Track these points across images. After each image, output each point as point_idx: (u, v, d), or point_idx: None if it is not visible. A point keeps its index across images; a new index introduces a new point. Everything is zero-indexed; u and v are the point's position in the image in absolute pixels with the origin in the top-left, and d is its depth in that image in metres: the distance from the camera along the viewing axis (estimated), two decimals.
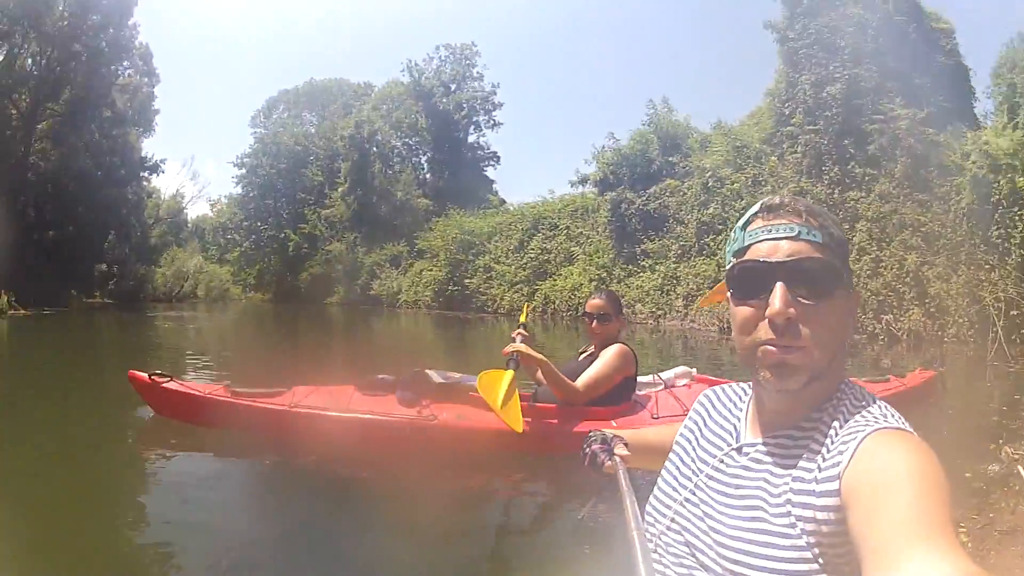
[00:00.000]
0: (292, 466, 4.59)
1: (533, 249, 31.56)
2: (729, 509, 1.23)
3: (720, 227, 22.65)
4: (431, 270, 37.99)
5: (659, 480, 1.45)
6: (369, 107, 54.03)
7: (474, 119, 52.32)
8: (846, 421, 1.17)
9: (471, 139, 52.34)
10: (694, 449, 1.43)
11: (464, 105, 51.57)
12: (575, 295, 27.32)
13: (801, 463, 1.16)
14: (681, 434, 1.50)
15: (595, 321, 5.02)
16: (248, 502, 4.18)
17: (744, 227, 1.29)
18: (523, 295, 30.41)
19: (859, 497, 1.01)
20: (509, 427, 4.24)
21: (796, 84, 21.45)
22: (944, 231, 17.71)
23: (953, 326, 16.59)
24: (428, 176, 52.35)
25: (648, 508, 1.41)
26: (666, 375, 5.78)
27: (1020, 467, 4.10)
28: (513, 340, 4.96)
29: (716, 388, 1.54)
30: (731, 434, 1.37)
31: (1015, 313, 15.07)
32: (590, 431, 1.83)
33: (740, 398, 1.45)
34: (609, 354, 4.89)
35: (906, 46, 20.16)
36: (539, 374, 4.95)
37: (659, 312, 23.65)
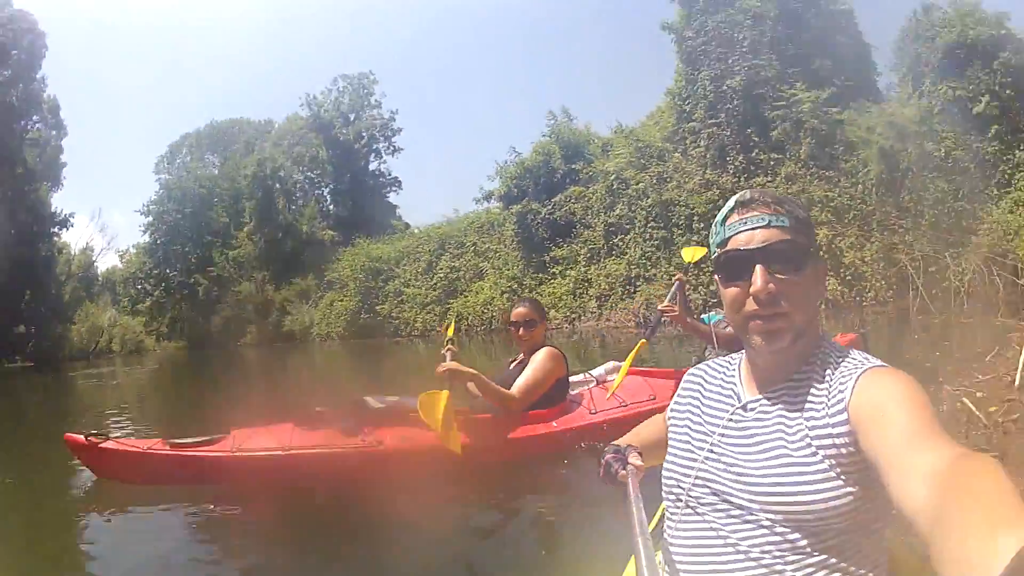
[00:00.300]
0: (243, 511, 4.44)
1: (442, 269, 31.24)
2: (751, 455, 1.38)
3: (628, 227, 22.61)
4: (342, 300, 37.45)
5: (672, 449, 1.58)
6: (270, 144, 53.17)
7: (374, 147, 51.73)
8: (836, 367, 1.37)
9: (372, 167, 51.65)
10: (700, 415, 1.56)
11: (364, 134, 50.99)
12: (487, 309, 27.08)
13: (808, 405, 1.35)
14: (674, 410, 1.67)
15: (522, 328, 5.11)
16: (203, 553, 3.88)
17: (723, 222, 1.45)
18: (435, 315, 30.25)
19: (866, 420, 1.22)
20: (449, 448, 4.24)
21: (696, 81, 21.78)
22: (854, 203, 18.19)
23: (871, 290, 16.98)
24: (332, 207, 51.24)
25: (667, 473, 1.56)
26: (596, 372, 5.97)
27: (964, 399, 4.29)
28: (443, 358, 4.86)
29: (701, 365, 1.72)
30: (732, 396, 1.53)
31: (933, 269, 15.50)
32: (605, 444, 1.83)
33: (728, 368, 1.62)
34: (540, 358, 4.97)
35: (806, 31, 20.76)
36: (472, 387, 4.89)
37: (573, 315, 23.31)
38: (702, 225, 19.96)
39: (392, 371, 17.25)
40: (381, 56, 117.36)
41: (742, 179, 20.32)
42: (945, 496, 0.94)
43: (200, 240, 52.51)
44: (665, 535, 1.52)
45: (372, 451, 4.53)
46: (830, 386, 1.33)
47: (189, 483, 4.59)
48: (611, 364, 6.10)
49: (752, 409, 1.45)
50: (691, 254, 7.04)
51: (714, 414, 1.53)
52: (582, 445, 4.82)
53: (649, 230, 21.58)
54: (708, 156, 21.10)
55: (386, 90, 60.81)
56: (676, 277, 6.11)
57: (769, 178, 19.86)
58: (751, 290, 1.35)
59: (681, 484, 1.49)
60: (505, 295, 25.87)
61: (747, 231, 1.38)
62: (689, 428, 1.56)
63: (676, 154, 21.98)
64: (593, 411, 5.09)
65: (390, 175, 52.52)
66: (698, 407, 1.59)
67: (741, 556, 1.34)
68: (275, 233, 45.19)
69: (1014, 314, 10.04)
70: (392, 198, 52.52)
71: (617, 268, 22.35)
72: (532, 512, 4.04)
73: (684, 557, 1.42)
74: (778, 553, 1.30)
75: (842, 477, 1.26)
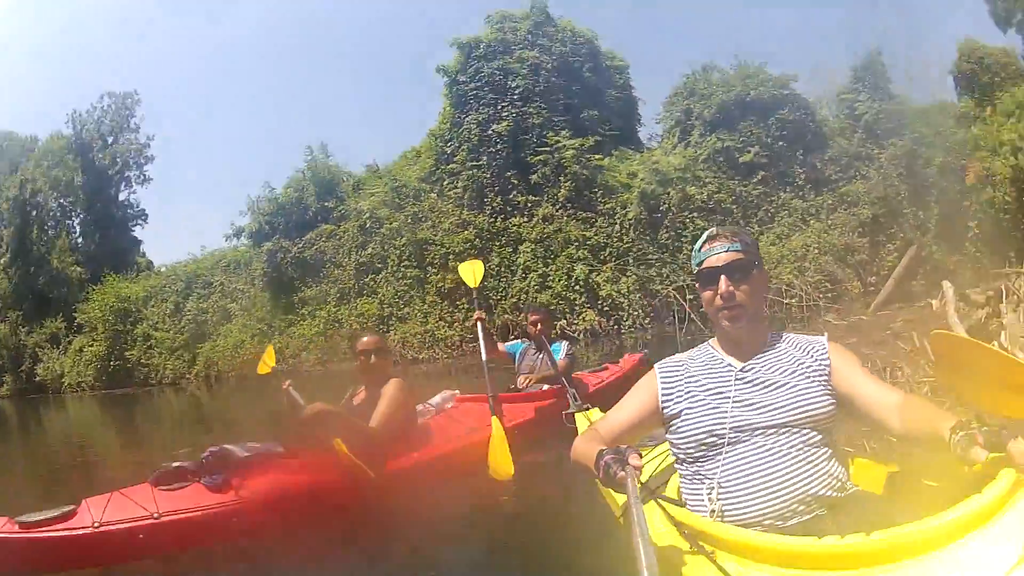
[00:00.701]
0: None
1: (190, 311, 28.49)
2: (775, 391, 2.11)
3: (380, 266, 21.71)
4: (91, 345, 32.99)
5: (689, 416, 2.18)
6: (32, 164, 46.52)
7: (126, 174, 46.82)
8: (795, 338, 2.27)
9: (122, 196, 46.51)
10: (702, 386, 2.22)
11: (118, 159, 46.13)
12: (237, 353, 24.84)
13: (794, 356, 2.19)
14: (667, 393, 2.29)
15: (373, 356, 4.97)
16: None
17: (699, 250, 2.25)
18: (184, 361, 27.59)
19: (839, 367, 2.13)
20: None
21: (462, 124, 21.71)
22: (610, 241, 18.84)
23: (628, 319, 17.51)
24: (80, 240, 45.18)
25: (694, 431, 2.15)
26: (434, 401, 5.99)
27: None
28: (288, 395, 4.99)
29: (666, 360, 2.41)
30: (726, 366, 2.22)
31: (691, 297, 16.31)
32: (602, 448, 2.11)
33: (699, 356, 2.33)
34: (393, 388, 4.83)
35: (578, 83, 21.66)
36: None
37: (326, 357, 21.92)
38: (457, 263, 18.94)
39: (146, 426, 15.62)
40: (144, 75, 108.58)
41: (499, 219, 20.28)
42: (907, 414, 1.93)
43: None
44: (703, 472, 2.12)
45: (243, 507, 4.01)
46: (805, 346, 2.22)
47: (45, 571, 3.81)
48: (447, 393, 6.11)
49: (749, 369, 2.19)
50: (472, 274, 7.02)
51: (719, 380, 2.20)
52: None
53: (403, 268, 20.73)
54: (466, 197, 20.85)
55: (147, 112, 55.24)
56: (476, 318, 6.43)
57: (526, 219, 20.00)
58: (719, 292, 2.16)
59: (715, 432, 2.10)
60: (255, 337, 24.03)
61: (715, 255, 2.19)
62: (696, 397, 2.21)
63: (432, 194, 21.59)
64: (435, 442, 5.08)
65: (138, 206, 47.62)
66: (695, 382, 2.25)
67: (783, 459, 2.01)
68: (28, 267, 39.60)
69: (782, 328, 9.99)
70: (137, 232, 47.55)
71: (369, 307, 21.40)
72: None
73: (738, 477, 2.03)
74: (805, 448, 2.02)
75: (829, 395, 2.10)
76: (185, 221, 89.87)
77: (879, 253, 16.92)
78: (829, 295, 15.96)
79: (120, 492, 4.16)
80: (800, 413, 2.05)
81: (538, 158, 20.01)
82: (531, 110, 20.77)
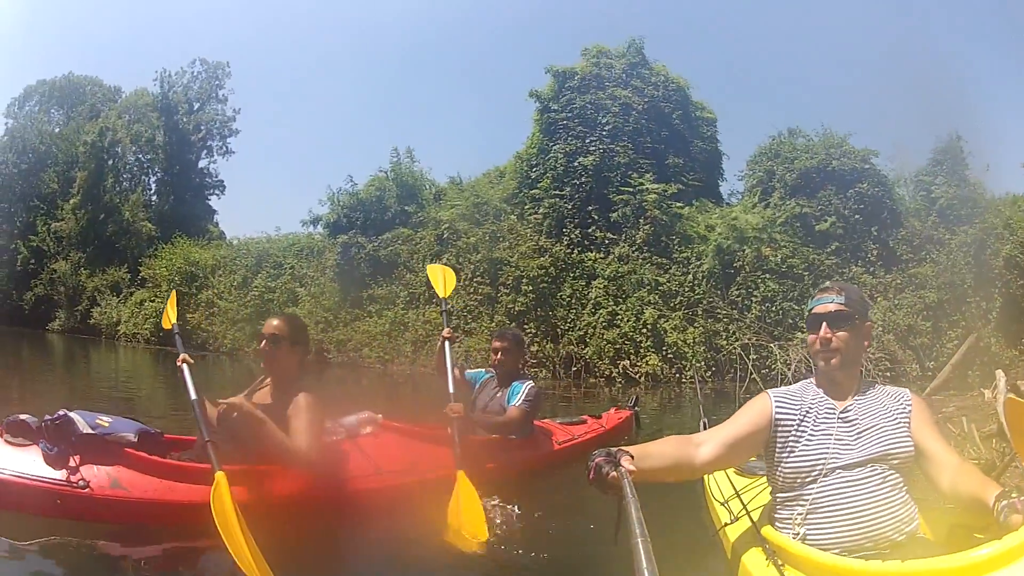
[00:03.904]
0: None
1: (257, 287, 28.71)
2: (869, 433, 2.51)
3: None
4: (152, 301, 33.25)
5: (799, 448, 2.56)
6: (115, 114, 47.36)
7: (209, 143, 47.59)
8: (884, 387, 2.72)
9: (201, 164, 47.27)
10: (811, 423, 2.60)
11: (203, 127, 46.96)
12: None
13: (886, 402, 2.61)
14: (783, 421, 2.63)
15: (278, 344, 4.39)
16: None
17: (813, 297, 2.73)
18: (246, 334, 27.47)
19: (917, 416, 2.54)
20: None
21: (549, 151, 22.24)
22: (682, 290, 19.23)
23: (690, 369, 17.62)
24: (155, 198, 46.02)
25: (800, 462, 2.53)
26: (347, 421, 5.03)
27: None
28: (182, 373, 4.44)
29: (779, 390, 2.75)
30: (829, 407, 2.61)
31: (754, 357, 16.68)
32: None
33: (807, 391, 2.72)
34: (305, 405, 4.11)
35: (667, 128, 22.21)
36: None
37: (387, 357, 22.26)
38: (530, 288, 19.86)
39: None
40: (236, 48, 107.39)
41: (575, 251, 20.70)
42: (958, 478, 2.30)
43: (28, 202, 45.62)
44: (797, 499, 2.50)
45: (73, 493, 3.61)
46: (893, 395, 2.65)
47: None
48: (367, 415, 5.19)
49: (849, 410, 2.58)
50: (442, 281, 6.51)
51: (825, 419, 2.58)
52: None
53: (475, 284, 21.13)
54: (545, 224, 21.31)
55: (236, 85, 55.79)
56: (443, 336, 5.87)
57: (602, 254, 20.44)
58: (819, 335, 2.60)
59: (817, 464, 2.48)
60: (319, 325, 24.43)
61: (822, 304, 2.65)
62: (805, 431, 2.58)
63: (512, 216, 22.06)
64: (345, 475, 4.44)
65: (216, 176, 48.46)
66: (805, 417, 2.61)
67: (868, 495, 2.37)
68: (98, 213, 40.36)
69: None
70: (212, 202, 48.27)
71: (437, 316, 21.25)
72: None
73: (826, 507, 2.41)
74: (888, 488, 2.39)
75: (910, 439, 2.48)
76: (261, 200, 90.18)
77: (940, 339, 17.18)
78: (888, 374, 16.23)
79: None
80: (887, 454, 2.42)
81: (620, 197, 20.41)
82: (618, 148, 21.21)
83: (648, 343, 18.27)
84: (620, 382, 17.63)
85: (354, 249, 24.30)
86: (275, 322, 4.41)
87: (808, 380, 2.80)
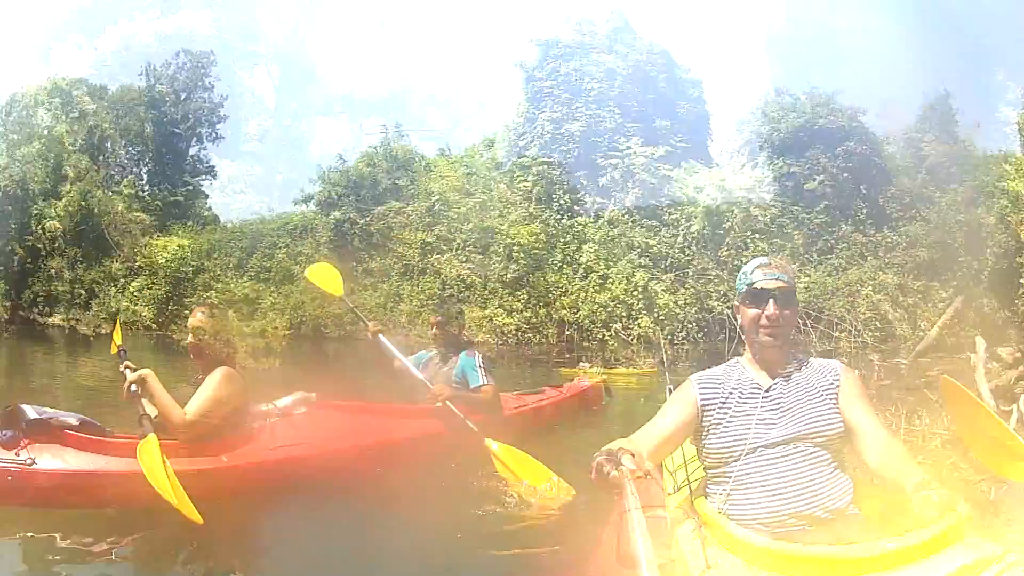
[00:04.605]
0: None
1: (253, 268, 29.00)
2: (795, 409, 2.45)
3: (444, 248, 22.21)
4: (150, 288, 33.75)
5: (721, 429, 2.50)
6: (103, 109, 47.46)
7: (198, 131, 47.78)
8: (814, 360, 2.63)
9: (192, 151, 47.42)
10: (734, 402, 2.52)
11: (191, 116, 47.11)
12: (297, 314, 25.34)
13: (813, 377, 2.53)
14: (706, 404, 2.55)
15: (202, 337, 4.47)
16: None
17: (750, 273, 2.58)
18: (243, 314, 26.83)
19: (846, 392, 2.47)
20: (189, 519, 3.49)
21: (536, 120, 22.41)
22: (672, 252, 19.32)
23: (683, 330, 17.91)
24: (147, 188, 46.12)
25: (721, 443, 2.47)
26: (282, 403, 5.14)
27: None
28: (123, 374, 4.24)
29: (702, 374, 2.68)
30: (755, 385, 2.54)
31: None
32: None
33: (734, 372, 2.64)
34: (216, 378, 4.28)
35: (652, 92, 22.28)
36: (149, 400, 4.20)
37: (382, 329, 21.51)
38: (521, 255, 19.94)
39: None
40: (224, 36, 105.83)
41: (565, 217, 20.92)
42: (885, 457, 2.29)
43: (22, 204, 45.56)
44: (729, 481, 2.44)
45: (21, 470, 3.88)
46: (822, 370, 2.56)
47: None
48: (300, 395, 5.25)
49: (774, 389, 2.50)
50: (331, 281, 6.76)
51: (748, 398, 2.50)
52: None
53: (467, 253, 21.31)
54: (535, 191, 21.35)
55: (220, 73, 55.67)
56: (371, 330, 6.27)
57: (592, 219, 20.64)
58: (766, 313, 2.48)
59: (738, 445, 2.43)
60: (316, 301, 24.23)
61: (769, 279, 2.51)
62: (727, 413, 2.50)
63: (502, 185, 22.11)
64: (273, 446, 4.53)
65: (207, 163, 48.58)
66: (728, 398, 2.52)
67: (789, 472, 2.34)
68: (92, 207, 40.51)
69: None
70: (205, 187, 48.43)
71: (431, 286, 21.88)
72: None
73: (747, 484, 2.38)
74: (814, 465, 2.35)
75: (838, 416, 2.43)
76: (252, 182, 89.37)
77: (931, 298, 17.30)
78: (878, 334, 16.51)
79: None
80: (811, 432, 2.36)
81: (608, 162, 20.57)
82: (604, 113, 21.40)
83: (640, 306, 18.41)
84: (613, 344, 17.91)
85: (347, 224, 24.43)
86: (198, 317, 4.54)
87: (735, 360, 2.71)
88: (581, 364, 12.31)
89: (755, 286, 2.53)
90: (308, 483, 4.40)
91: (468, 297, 20.57)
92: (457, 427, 5.18)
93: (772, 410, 2.44)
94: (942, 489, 2.03)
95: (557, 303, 19.37)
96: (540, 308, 19.36)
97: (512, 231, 20.66)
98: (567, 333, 18.70)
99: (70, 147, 43.53)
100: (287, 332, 25.19)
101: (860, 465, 2.44)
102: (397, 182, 24.21)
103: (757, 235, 18.56)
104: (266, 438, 4.54)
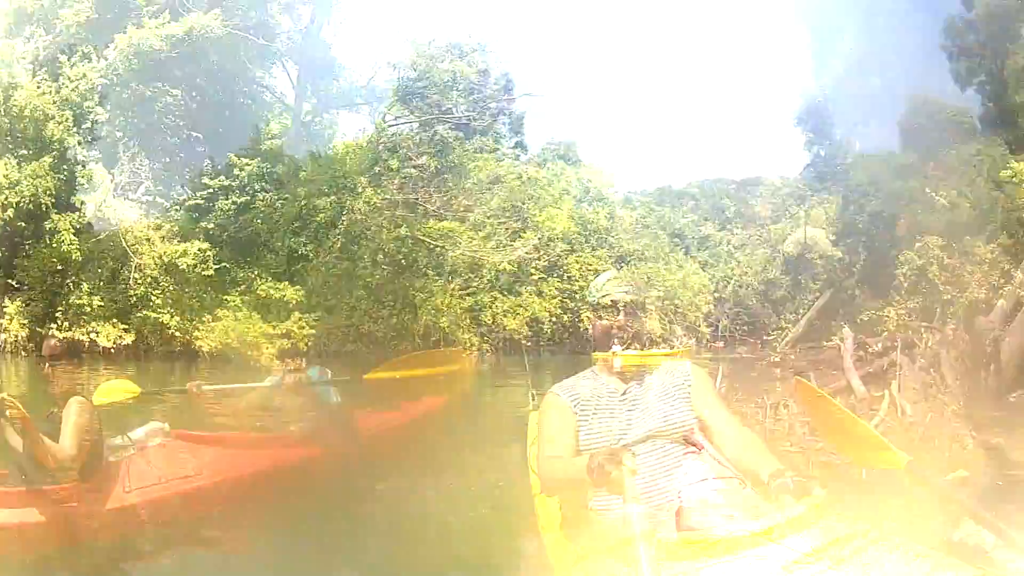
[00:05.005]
0: None
1: (123, 280, 25.42)
2: (650, 409, 2.61)
3: (310, 255, 21.61)
4: (28, 305, 29.53)
5: (591, 429, 2.67)
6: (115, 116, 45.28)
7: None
8: (665, 365, 2.80)
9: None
10: (595, 408, 2.70)
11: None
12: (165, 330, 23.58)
13: (665, 379, 2.71)
14: (580, 411, 2.72)
15: (58, 363, 4.46)
16: None
17: (603, 286, 2.83)
18: (118, 330, 24.74)
19: (697, 389, 2.67)
20: None
21: (407, 120, 22.52)
22: (539, 254, 19.35)
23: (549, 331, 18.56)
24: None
25: (592, 445, 2.59)
26: (136, 434, 4.82)
27: None
28: None
29: (562, 385, 2.85)
30: (612, 390, 2.72)
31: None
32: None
33: (589, 380, 2.82)
34: (73, 408, 3.89)
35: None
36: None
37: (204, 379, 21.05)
38: (386, 260, 19.81)
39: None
40: None
41: (432, 220, 20.63)
42: (739, 450, 2.47)
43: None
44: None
45: None
46: (673, 371, 2.76)
47: None
48: (154, 425, 4.99)
49: (630, 391, 2.69)
50: (120, 394, 6.42)
51: (608, 402, 2.69)
52: None
53: (332, 259, 20.68)
54: (401, 196, 20.96)
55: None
56: (191, 387, 6.14)
57: (459, 222, 20.31)
58: (617, 323, 2.75)
59: (603, 446, 2.51)
60: (186, 316, 23.32)
61: (623, 293, 2.78)
62: (592, 418, 2.68)
63: (368, 189, 21.56)
64: (128, 488, 4.18)
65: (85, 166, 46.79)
66: (590, 405, 2.72)
67: (654, 470, 2.45)
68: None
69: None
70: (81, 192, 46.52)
71: (295, 295, 21.04)
72: None
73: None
74: (668, 459, 2.50)
75: (690, 411, 2.60)
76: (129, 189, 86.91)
77: (802, 291, 17.61)
78: (745, 327, 16.70)
79: None
80: (664, 429, 2.54)
81: (475, 164, 20.78)
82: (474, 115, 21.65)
83: (505, 307, 18.45)
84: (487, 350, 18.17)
85: (215, 232, 23.47)
86: (53, 342, 4.78)
87: (590, 370, 2.91)
88: None
89: (607, 297, 2.82)
90: (170, 524, 4.22)
91: (335, 306, 20.09)
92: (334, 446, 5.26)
93: (631, 411, 2.64)
94: (797, 476, 2.24)
95: (422, 309, 18.83)
96: (406, 314, 18.89)
97: (378, 236, 20.24)
98: (432, 339, 18.21)
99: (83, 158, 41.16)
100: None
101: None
102: (265, 188, 23.33)
103: (623, 235, 18.75)
104: (122, 476, 4.22)
